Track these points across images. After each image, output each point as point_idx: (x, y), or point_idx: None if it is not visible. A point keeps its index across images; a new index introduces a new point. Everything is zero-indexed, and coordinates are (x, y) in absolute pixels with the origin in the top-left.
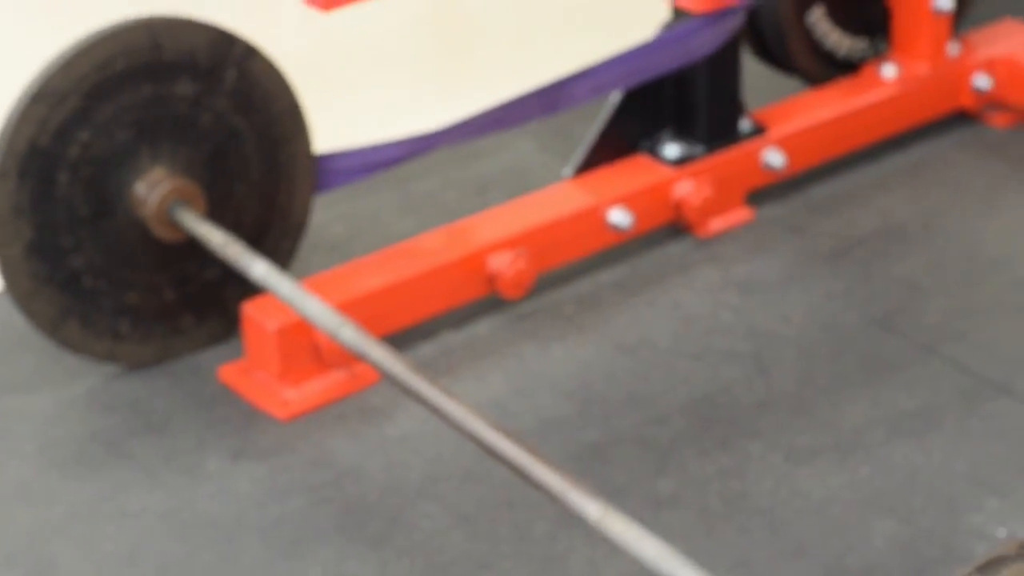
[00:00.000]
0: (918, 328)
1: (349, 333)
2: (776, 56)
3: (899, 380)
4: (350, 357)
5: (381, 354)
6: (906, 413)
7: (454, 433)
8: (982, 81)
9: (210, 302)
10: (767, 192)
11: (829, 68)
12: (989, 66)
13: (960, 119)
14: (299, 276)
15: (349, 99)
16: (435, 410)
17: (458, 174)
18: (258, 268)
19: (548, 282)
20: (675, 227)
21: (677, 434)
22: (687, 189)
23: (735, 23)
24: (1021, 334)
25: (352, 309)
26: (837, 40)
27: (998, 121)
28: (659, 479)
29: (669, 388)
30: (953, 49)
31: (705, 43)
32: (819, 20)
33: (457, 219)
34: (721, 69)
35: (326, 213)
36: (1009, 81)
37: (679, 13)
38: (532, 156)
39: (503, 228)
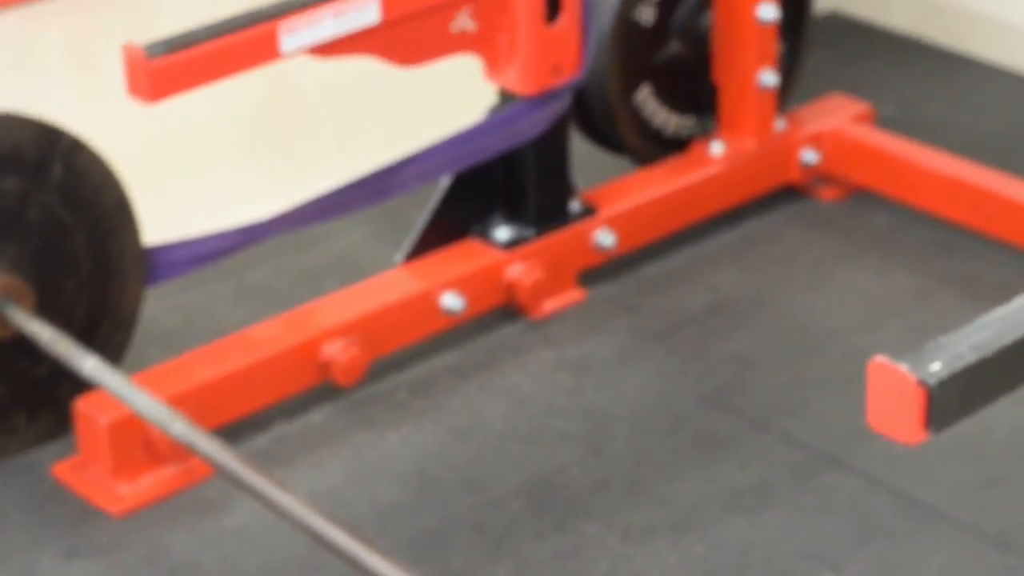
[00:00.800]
0: (750, 404)
1: (180, 427)
2: (605, 136)
3: (732, 456)
4: (184, 451)
5: (212, 447)
6: (740, 489)
7: (290, 524)
8: (809, 156)
9: (42, 399)
10: (599, 272)
11: (658, 147)
12: (816, 140)
13: (789, 194)
14: (133, 370)
15: (183, 189)
16: (267, 502)
17: (290, 263)
18: (88, 363)
19: (382, 368)
20: (508, 309)
21: (513, 517)
22: (518, 271)
23: (561, 105)
24: (851, 407)
25: (185, 402)
26: (665, 119)
27: (826, 195)
28: (496, 564)
29: (505, 472)
30: (780, 124)
31: (532, 126)
32: (646, 99)
33: (290, 308)
34: (549, 151)
35: (159, 305)
36: (836, 155)
37: (506, 96)
38: (364, 243)
39: (335, 315)
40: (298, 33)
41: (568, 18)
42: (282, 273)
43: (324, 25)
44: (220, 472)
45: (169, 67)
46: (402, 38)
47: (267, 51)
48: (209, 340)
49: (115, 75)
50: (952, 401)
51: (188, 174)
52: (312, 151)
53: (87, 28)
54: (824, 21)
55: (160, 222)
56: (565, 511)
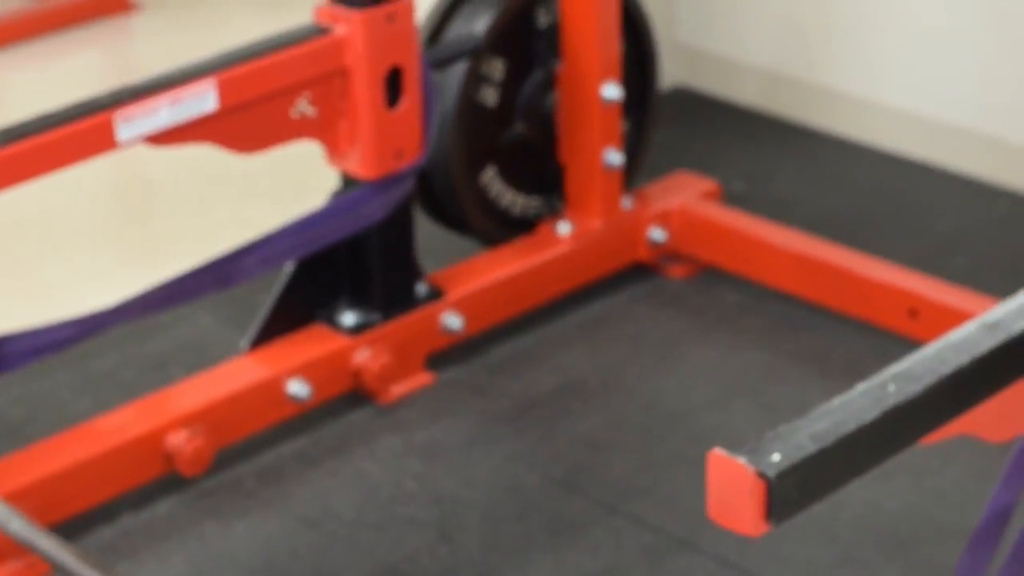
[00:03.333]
0: (600, 486)
1: (18, 525)
2: (451, 217)
3: (583, 540)
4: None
5: (51, 546)
6: (591, 574)
7: None
8: (657, 234)
9: None
10: (447, 354)
11: (505, 227)
12: (663, 218)
13: (638, 272)
14: None
15: (25, 277)
16: None
17: (136, 350)
18: None
19: (229, 456)
20: (356, 394)
21: None
22: (365, 356)
23: (405, 189)
24: (701, 487)
25: (28, 495)
26: (511, 199)
27: (675, 272)
28: None
29: (353, 561)
30: (627, 203)
31: (375, 210)
32: (492, 180)
33: (136, 396)
34: (394, 234)
35: (1, 396)
36: (683, 232)
37: (348, 180)
38: (211, 329)
39: (180, 405)
40: (134, 122)
41: (409, 102)
42: (128, 361)
43: (160, 114)
44: (60, 571)
45: (2, 160)
46: (241, 125)
47: (103, 141)
48: (54, 431)
49: None
50: (792, 492)
51: (32, 260)
52: (161, 233)
53: None
54: (670, 96)
55: (3, 311)
56: None
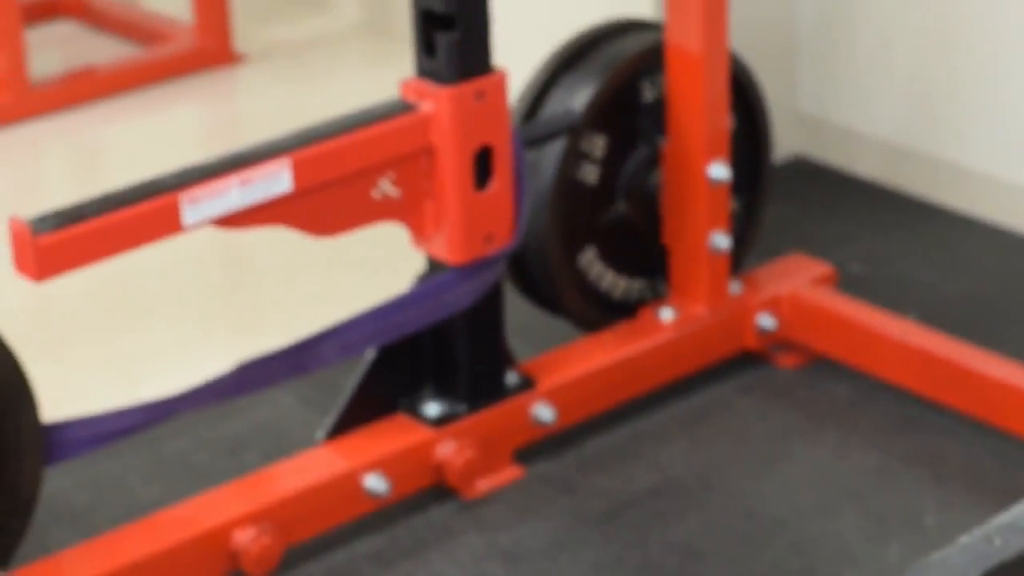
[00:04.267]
0: None
1: None
2: (547, 299)
3: None
4: None
5: None
6: None
7: None
8: (766, 321)
9: None
10: (538, 447)
11: (604, 312)
12: (773, 305)
13: (745, 360)
14: (36, 551)
15: (104, 345)
16: None
17: (210, 433)
18: None
19: (299, 555)
20: (440, 488)
21: None
22: (448, 450)
23: (494, 275)
24: None
25: None
26: (612, 282)
27: (785, 362)
28: None
29: None
30: (735, 288)
31: (461, 297)
32: (591, 262)
33: (207, 482)
34: (482, 322)
35: (68, 479)
36: (794, 320)
37: (434, 264)
38: (291, 411)
39: (248, 499)
40: (201, 205)
41: (500, 183)
42: (202, 444)
43: (230, 196)
44: None
45: (58, 244)
46: (318, 207)
47: (167, 225)
48: (119, 519)
49: None
50: None
51: (111, 329)
52: (247, 304)
53: None
54: (787, 167)
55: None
56: None
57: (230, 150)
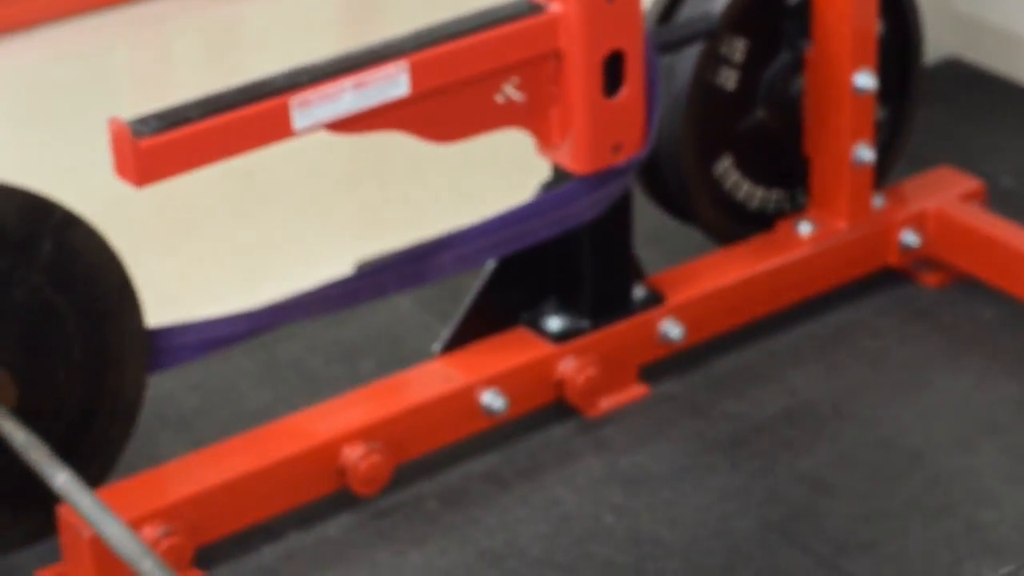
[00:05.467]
0: (820, 537)
1: (150, 565)
2: (680, 209)
3: None
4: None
5: None
6: None
7: None
8: (910, 237)
9: (27, 496)
10: (664, 366)
11: (740, 223)
12: (918, 220)
13: (887, 278)
14: (142, 456)
15: (222, 240)
16: None
17: (326, 337)
18: (60, 478)
19: (412, 472)
20: (560, 406)
21: None
22: (570, 367)
23: (622, 186)
24: (934, 545)
25: (188, 508)
26: (748, 192)
27: (929, 280)
28: None
29: None
30: (878, 202)
31: (586, 208)
32: (727, 171)
33: (320, 390)
34: (608, 235)
35: (176, 382)
36: (939, 237)
37: (560, 173)
38: (410, 316)
39: (359, 414)
40: (312, 108)
41: (631, 91)
42: (316, 349)
43: (343, 100)
44: None
45: (160, 147)
46: (438, 112)
47: (276, 129)
48: (228, 425)
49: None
50: None
51: (229, 223)
52: (372, 199)
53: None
54: (938, 69)
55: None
56: None
57: (366, 40)
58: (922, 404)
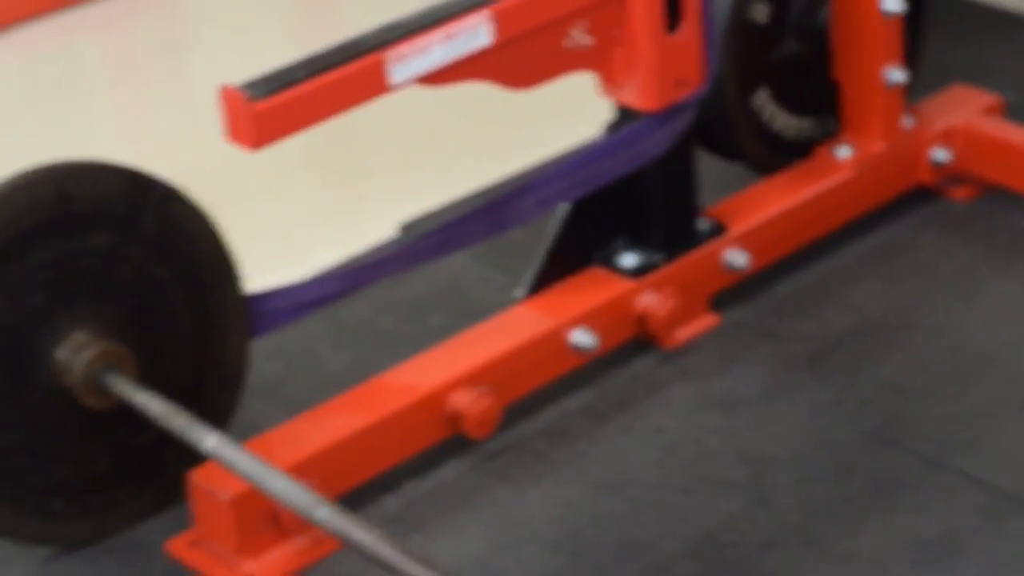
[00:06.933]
0: (920, 439)
1: (325, 512)
2: (721, 144)
3: (911, 501)
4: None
5: (367, 538)
6: (926, 539)
7: None
8: (940, 154)
9: (148, 469)
10: (730, 294)
11: (778, 153)
12: (946, 137)
13: (919, 196)
14: (238, 426)
15: (294, 204)
16: None
17: (391, 296)
18: (209, 441)
19: (512, 414)
20: (638, 341)
21: None
22: (651, 301)
23: (686, 120)
24: None
25: (307, 468)
26: (784, 122)
27: (959, 194)
28: None
29: (665, 530)
30: (907, 122)
31: (656, 144)
32: (764, 102)
33: (396, 347)
34: (675, 169)
35: (256, 350)
36: (967, 151)
37: (624, 113)
38: (467, 270)
39: (461, 361)
40: (407, 63)
41: (690, 26)
42: (383, 308)
43: (433, 52)
44: (381, 564)
45: (273, 110)
46: (516, 59)
47: (375, 85)
48: (315, 387)
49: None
50: None
51: (293, 188)
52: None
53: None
54: None
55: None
56: (740, 572)
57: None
58: (981, 309)
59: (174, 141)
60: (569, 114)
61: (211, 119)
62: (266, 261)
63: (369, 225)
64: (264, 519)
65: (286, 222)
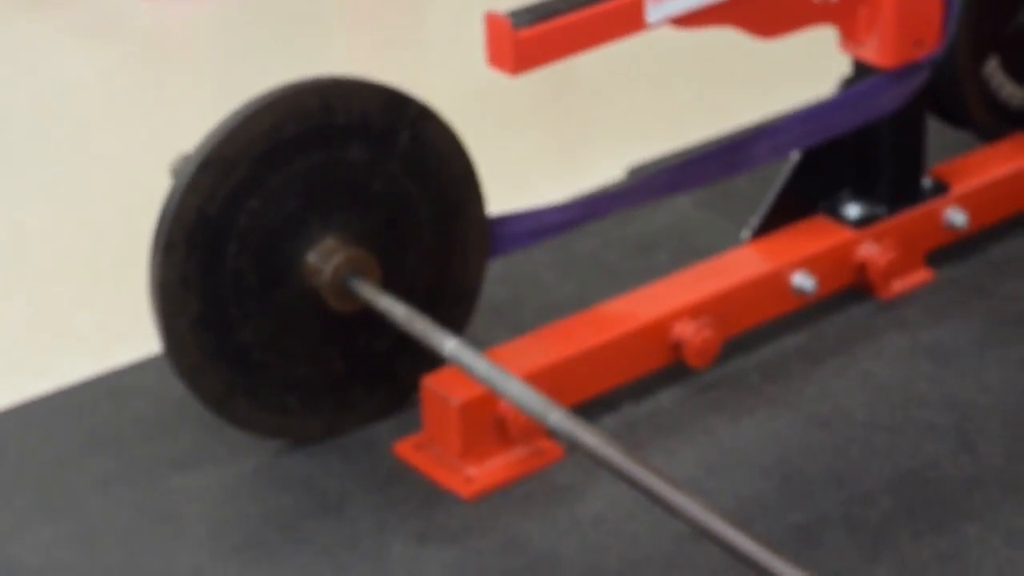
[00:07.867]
0: None
1: (558, 417)
2: (949, 109)
3: None
4: (535, 432)
5: (596, 442)
6: None
7: (649, 515)
8: None
9: (380, 373)
10: (947, 251)
11: (1002, 121)
12: None
13: None
14: (469, 343)
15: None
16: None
17: (618, 233)
18: (449, 344)
19: (729, 349)
20: (854, 290)
21: (886, 515)
22: (871, 251)
23: (921, 79)
24: None
25: (533, 382)
26: (1011, 92)
27: None
28: (874, 565)
29: (871, 464)
30: None
31: (889, 101)
32: (993, 71)
33: (620, 280)
34: (906, 126)
35: (486, 274)
36: None
37: (861, 68)
38: (692, 213)
39: (686, 294)
40: (664, 3)
41: None
42: (611, 244)
43: None
44: (612, 472)
45: (534, 37)
46: (765, 8)
47: (632, 22)
48: (540, 313)
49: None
50: None
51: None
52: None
53: None
54: None
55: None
56: (941, 510)
57: None
58: None
59: (408, 81)
60: (794, 79)
61: (446, 63)
62: (495, 195)
63: (596, 168)
64: (490, 426)
65: (517, 161)
